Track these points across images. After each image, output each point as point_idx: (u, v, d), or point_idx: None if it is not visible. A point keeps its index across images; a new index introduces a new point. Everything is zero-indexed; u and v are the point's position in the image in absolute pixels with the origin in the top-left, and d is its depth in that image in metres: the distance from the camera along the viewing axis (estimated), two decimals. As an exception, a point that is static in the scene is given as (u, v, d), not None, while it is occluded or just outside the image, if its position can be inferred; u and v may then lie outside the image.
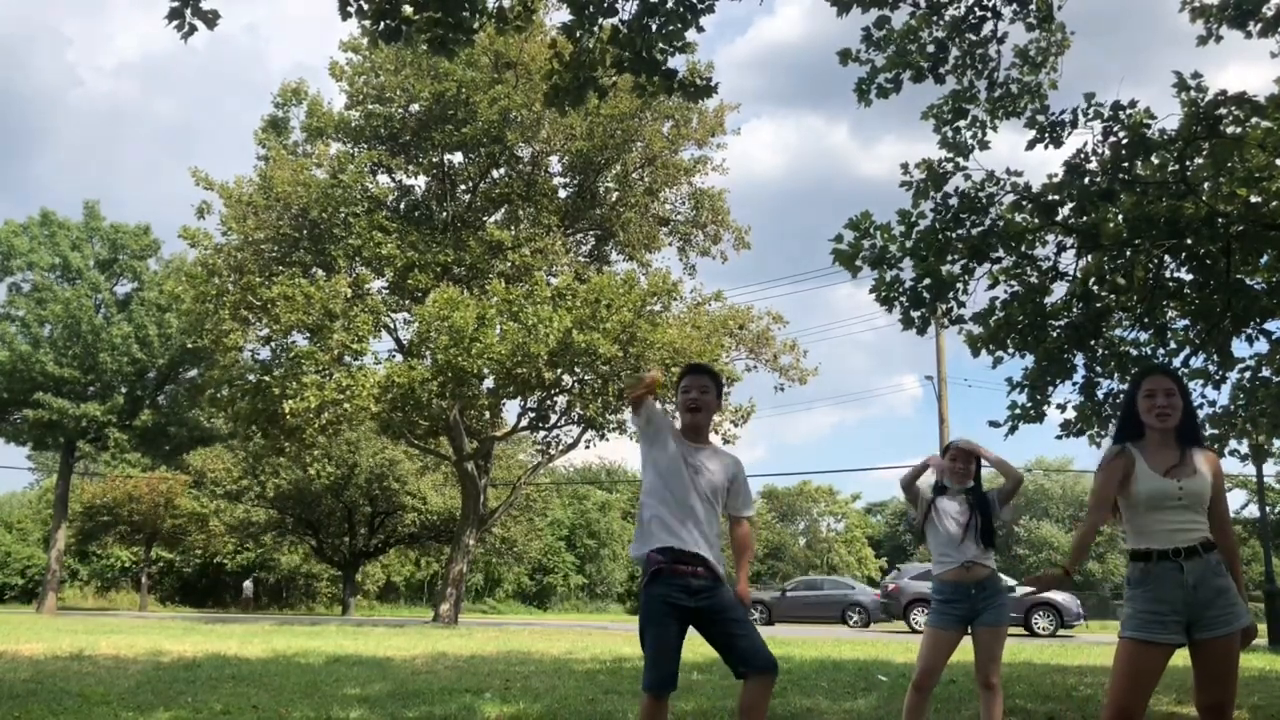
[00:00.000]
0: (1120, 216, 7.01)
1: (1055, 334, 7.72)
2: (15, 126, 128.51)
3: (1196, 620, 3.42)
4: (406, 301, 23.93)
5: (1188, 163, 7.05)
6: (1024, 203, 7.39)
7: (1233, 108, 6.80)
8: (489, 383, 22.62)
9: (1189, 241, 7.23)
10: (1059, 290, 7.86)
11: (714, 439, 4.21)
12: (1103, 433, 8.05)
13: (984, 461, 4.95)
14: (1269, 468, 22.74)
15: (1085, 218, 7.13)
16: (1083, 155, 7.28)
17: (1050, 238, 7.71)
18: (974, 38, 7.48)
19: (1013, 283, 7.77)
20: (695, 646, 4.04)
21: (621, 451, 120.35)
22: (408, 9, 5.83)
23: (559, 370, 21.69)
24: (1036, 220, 7.45)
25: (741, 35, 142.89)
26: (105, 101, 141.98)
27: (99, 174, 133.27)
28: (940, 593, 4.80)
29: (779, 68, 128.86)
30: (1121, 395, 7.98)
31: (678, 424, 4.12)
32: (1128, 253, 7.45)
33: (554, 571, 53.44)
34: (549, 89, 6.11)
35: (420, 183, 25.85)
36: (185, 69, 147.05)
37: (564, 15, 6.03)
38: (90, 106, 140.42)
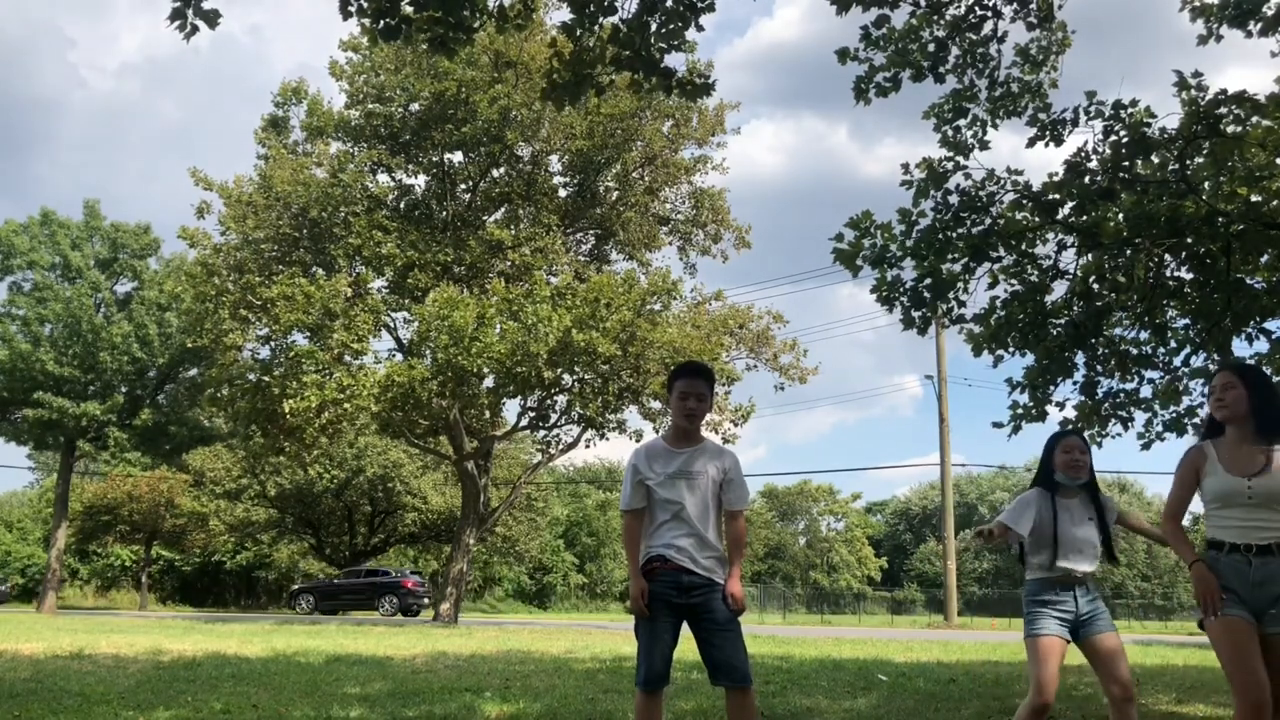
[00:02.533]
0: (1120, 215, 7.00)
1: (1055, 333, 7.72)
2: (18, 127, 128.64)
3: (1259, 615, 3.43)
4: (406, 301, 23.93)
5: (1188, 162, 7.04)
6: (1024, 201, 7.38)
7: (1233, 107, 6.79)
8: (489, 382, 22.62)
9: (1189, 240, 7.23)
10: (1059, 289, 7.86)
11: (709, 435, 4.18)
12: (1104, 432, 8.04)
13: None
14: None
15: (1086, 216, 7.13)
16: (1083, 154, 7.27)
17: (1051, 236, 7.70)
18: (974, 37, 7.47)
19: (1013, 282, 7.76)
20: (693, 648, 4.05)
21: (621, 451, 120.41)
22: (408, 8, 5.83)
23: (559, 369, 21.69)
24: (1037, 219, 7.45)
25: (740, 37, 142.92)
26: (107, 102, 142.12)
27: (101, 175, 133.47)
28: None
29: (777, 69, 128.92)
30: (1122, 393, 7.99)
31: (661, 433, 4.17)
32: (1128, 251, 7.44)
33: (553, 570, 53.45)
34: (547, 85, 6.10)
35: (420, 182, 25.86)
36: (188, 70, 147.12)
37: (564, 14, 6.03)
38: (92, 107, 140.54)
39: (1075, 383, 7.95)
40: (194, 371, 32.77)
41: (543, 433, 26.44)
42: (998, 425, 7.98)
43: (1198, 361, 7.97)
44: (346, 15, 5.79)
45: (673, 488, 3.88)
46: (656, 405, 23.79)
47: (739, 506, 3.96)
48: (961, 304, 7.69)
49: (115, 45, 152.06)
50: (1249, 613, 3.41)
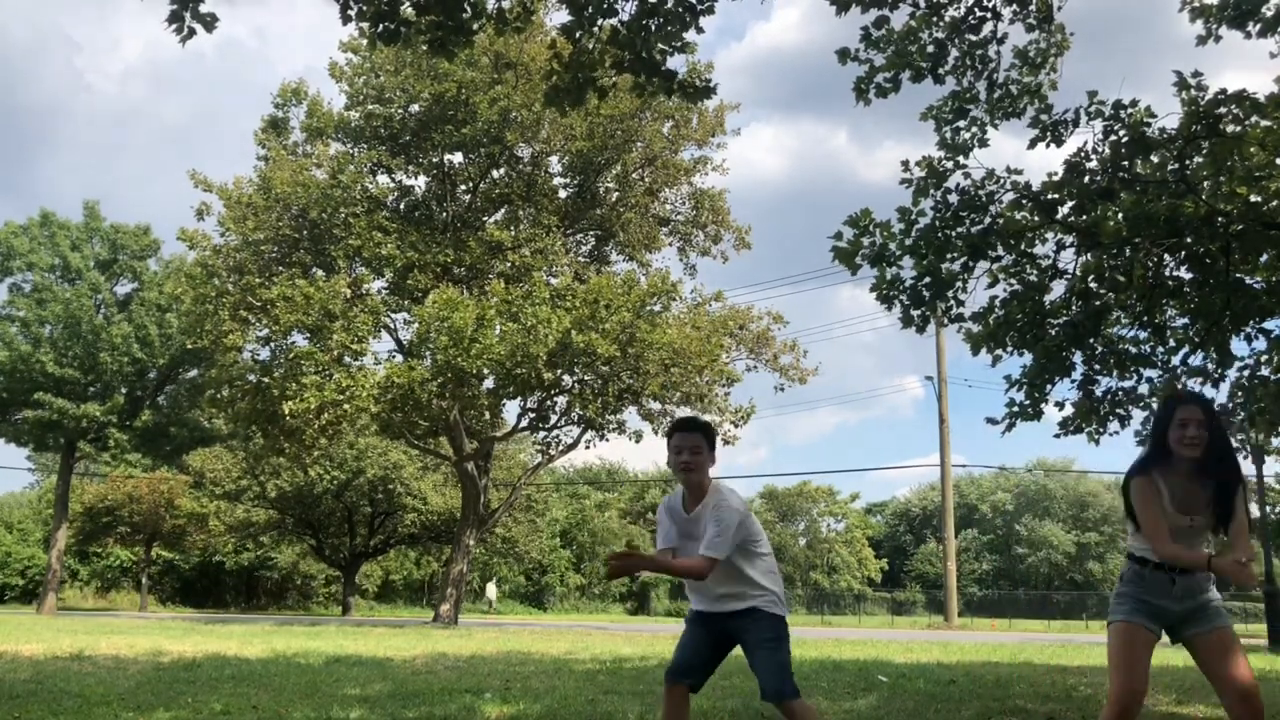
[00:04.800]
0: (1120, 215, 7.00)
1: (1054, 332, 7.72)
2: (23, 131, 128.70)
3: (1180, 624, 3.65)
4: (406, 302, 23.93)
5: (1187, 161, 7.04)
6: (1024, 201, 7.38)
7: (1232, 106, 6.80)
8: (489, 383, 22.63)
9: (1188, 240, 7.23)
10: (1058, 288, 7.87)
11: (719, 485, 3.98)
12: (1101, 430, 8.05)
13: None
14: (1269, 466, 22.74)
15: (1085, 216, 7.14)
16: (1083, 154, 7.28)
17: (1050, 236, 7.71)
18: (974, 38, 7.48)
19: (1012, 281, 7.77)
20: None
21: (621, 452, 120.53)
22: (408, 10, 5.83)
23: (558, 371, 21.70)
24: (1036, 218, 7.45)
25: (738, 41, 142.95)
26: (112, 106, 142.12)
27: (104, 178, 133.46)
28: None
29: (776, 73, 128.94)
30: (1120, 393, 7.99)
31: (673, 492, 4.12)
32: (1127, 251, 7.45)
33: (551, 570, 53.41)
34: (548, 89, 6.11)
35: (420, 183, 25.87)
36: (193, 74, 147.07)
37: (563, 16, 6.03)
38: (96, 111, 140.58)
39: (1073, 381, 7.97)
40: (194, 372, 32.79)
41: (542, 434, 26.46)
42: (992, 421, 8.00)
43: (1196, 361, 7.98)
44: (346, 19, 5.79)
45: (686, 551, 3.94)
46: (656, 406, 23.81)
47: (707, 552, 3.78)
48: (960, 303, 7.70)
49: (119, 49, 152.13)
50: (1157, 625, 3.64)
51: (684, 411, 23.91)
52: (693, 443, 3.91)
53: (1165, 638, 3.74)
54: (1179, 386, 7.84)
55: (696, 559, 3.81)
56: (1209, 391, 8.15)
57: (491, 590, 45.44)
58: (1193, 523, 3.64)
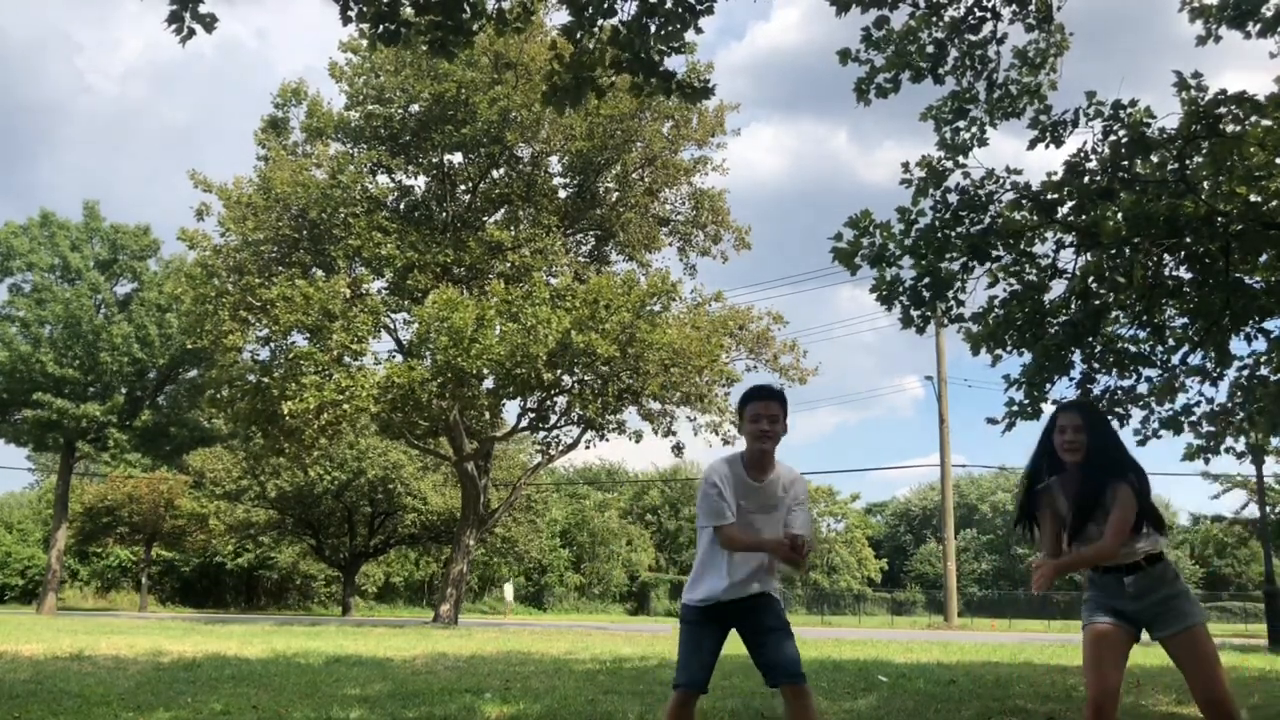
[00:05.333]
0: (1119, 215, 7.00)
1: (1054, 332, 7.72)
2: (24, 131, 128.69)
3: (1150, 624, 3.76)
4: (406, 302, 23.93)
5: (1187, 161, 7.04)
6: (1023, 201, 7.39)
7: (1232, 106, 6.80)
8: (489, 383, 22.63)
9: (1188, 240, 7.23)
10: (1058, 288, 7.87)
11: (780, 459, 3.99)
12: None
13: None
14: (1269, 467, 22.70)
15: (1084, 216, 7.13)
16: (1082, 154, 7.28)
17: (1049, 236, 7.71)
18: (973, 38, 7.48)
19: (1012, 281, 7.77)
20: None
21: (621, 452, 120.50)
22: (408, 10, 5.83)
23: (558, 371, 21.70)
24: (1036, 218, 7.45)
25: (738, 41, 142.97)
26: (112, 106, 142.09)
27: (105, 178, 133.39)
28: None
29: (776, 74, 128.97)
30: (1119, 392, 7.99)
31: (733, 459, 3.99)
32: (1127, 251, 7.44)
33: (551, 570, 53.41)
34: (547, 88, 6.11)
35: (420, 183, 25.88)
36: (194, 74, 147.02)
37: (563, 16, 6.03)
38: (97, 111, 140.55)
39: (1073, 380, 7.97)
40: (194, 372, 32.79)
41: (542, 434, 26.48)
42: (992, 421, 7.99)
43: (1196, 360, 7.98)
44: (346, 20, 5.79)
45: (750, 522, 3.85)
46: (656, 406, 23.80)
47: (799, 531, 3.85)
48: (960, 303, 7.70)
49: (120, 49, 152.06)
50: (1126, 622, 3.76)
51: (684, 411, 23.95)
52: (772, 411, 3.85)
53: (1146, 635, 3.83)
54: (1175, 386, 7.86)
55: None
56: (1208, 391, 8.17)
57: (509, 591, 45.10)
58: (1082, 532, 3.82)
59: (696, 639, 3.92)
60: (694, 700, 3.90)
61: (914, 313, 7.52)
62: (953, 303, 7.64)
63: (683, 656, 3.91)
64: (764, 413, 3.86)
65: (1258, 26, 7.16)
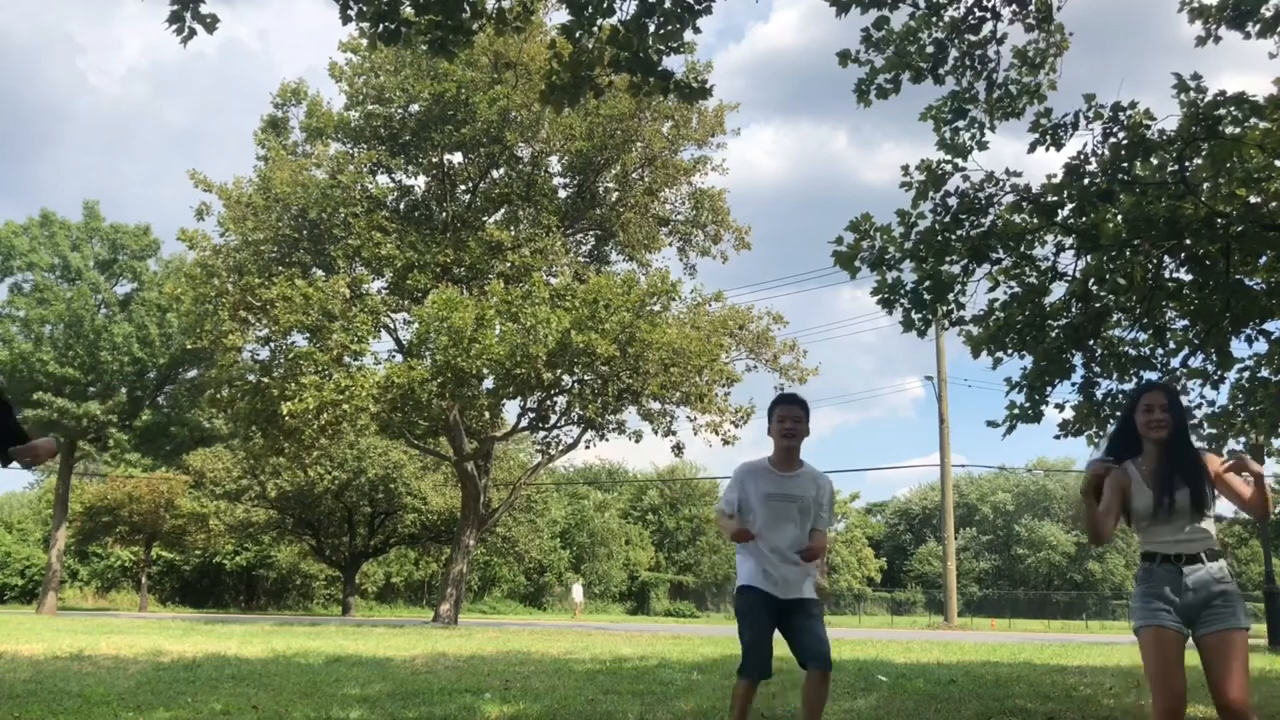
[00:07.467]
0: (1119, 217, 7.01)
1: (1054, 334, 7.73)
2: (25, 132, 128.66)
3: (1196, 617, 3.63)
4: (406, 302, 23.93)
5: (1187, 163, 7.05)
6: (1023, 203, 7.39)
7: (1232, 108, 6.80)
8: (488, 383, 22.62)
9: (1188, 242, 7.23)
10: (1058, 291, 7.87)
11: (806, 461, 4.85)
12: (1101, 432, 8.05)
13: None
14: (1268, 467, 22.65)
15: (1084, 218, 7.14)
16: (1082, 156, 7.28)
17: (1049, 238, 7.71)
18: (973, 38, 7.48)
19: (1012, 283, 7.77)
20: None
21: (621, 452, 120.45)
22: (408, 10, 5.84)
23: (558, 371, 21.68)
24: (1036, 221, 7.46)
25: (737, 43, 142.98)
26: (113, 106, 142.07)
27: (106, 179, 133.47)
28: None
29: (775, 76, 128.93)
30: (1120, 395, 8.00)
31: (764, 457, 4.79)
32: (1127, 253, 7.45)
33: (551, 570, 53.40)
34: (545, 87, 6.12)
35: (420, 183, 25.85)
36: (195, 75, 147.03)
37: (563, 15, 6.03)
38: (98, 111, 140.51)
39: (1073, 384, 7.97)
40: (194, 372, 32.77)
41: (542, 434, 26.45)
42: (992, 424, 8.00)
43: (1196, 362, 7.99)
44: (346, 20, 5.80)
45: (771, 510, 4.59)
46: (655, 406, 23.80)
47: (822, 527, 4.73)
48: (961, 305, 7.71)
49: (121, 50, 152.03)
50: (1181, 622, 3.63)
51: (684, 411, 23.95)
52: (795, 414, 4.75)
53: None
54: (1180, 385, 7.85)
55: (820, 537, 4.71)
56: (1209, 393, 8.18)
57: (578, 591, 44.27)
58: (1172, 504, 3.68)
59: (768, 621, 4.64)
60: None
61: (915, 316, 7.53)
62: (953, 306, 7.64)
63: (753, 644, 4.64)
64: (789, 415, 4.73)
65: (1257, 27, 7.16)
